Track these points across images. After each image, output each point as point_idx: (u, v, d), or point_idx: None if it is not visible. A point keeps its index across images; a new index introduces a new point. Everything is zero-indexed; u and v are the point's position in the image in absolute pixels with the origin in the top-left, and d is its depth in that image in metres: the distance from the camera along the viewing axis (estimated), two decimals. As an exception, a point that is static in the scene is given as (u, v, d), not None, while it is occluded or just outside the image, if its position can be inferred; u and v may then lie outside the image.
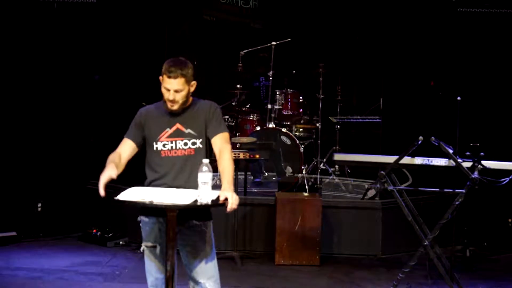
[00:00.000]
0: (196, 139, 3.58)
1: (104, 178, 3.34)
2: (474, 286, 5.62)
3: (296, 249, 6.22)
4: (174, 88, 3.50)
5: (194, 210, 3.52)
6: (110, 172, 3.37)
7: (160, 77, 3.55)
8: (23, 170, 7.28)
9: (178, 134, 3.58)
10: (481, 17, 7.76)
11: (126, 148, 3.61)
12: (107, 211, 6.89)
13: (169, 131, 3.58)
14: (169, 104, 3.55)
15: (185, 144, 3.58)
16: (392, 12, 8.41)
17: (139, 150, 3.66)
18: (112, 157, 3.54)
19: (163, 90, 3.55)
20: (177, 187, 3.51)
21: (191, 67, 3.57)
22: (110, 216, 6.91)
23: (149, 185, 3.61)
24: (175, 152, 3.57)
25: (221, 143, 3.56)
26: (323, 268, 6.16)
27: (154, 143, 3.59)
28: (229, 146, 3.59)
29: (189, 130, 3.58)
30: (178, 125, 3.58)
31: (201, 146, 3.59)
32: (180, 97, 3.53)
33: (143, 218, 3.61)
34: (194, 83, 3.59)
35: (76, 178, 7.47)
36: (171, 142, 3.57)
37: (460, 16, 7.80)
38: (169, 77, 3.50)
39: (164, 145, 3.58)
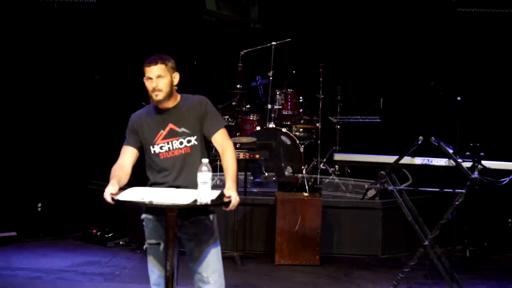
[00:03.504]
0: (190, 136, 3.57)
1: (106, 194, 3.30)
2: (474, 286, 5.62)
3: (296, 249, 6.22)
4: (156, 74, 3.51)
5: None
6: (110, 189, 3.32)
7: (144, 78, 3.56)
8: (23, 170, 7.28)
9: (172, 135, 3.57)
10: (481, 17, 7.76)
11: (128, 156, 3.60)
12: (107, 211, 6.88)
13: (163, 132, 3.57)
14: (153, 95, 3.53)
15: (181, 143, 3.57)
16: (392, 12, 8.42)
17: (140, 153, 3.64)
18: (114, 170, 3.51)
19: (146, 84, 3.55)
20: (178, 186, 3.51)
21: (172, 59, 3.59)
22: (110, 216, 6.91)
23: (151, 186, 3.60)
24: (173, 153, 3.56)
25: (221, 140, 3.57)
26: (323, 268, 6.16)
27: (151, 147, 3.58)
28: (230, 142, 3.60)
29: (182, 129, 3.57)
30: (171, 125, 3.58)
31: (196, 143, 3.58)
32: (163, 84, 3.52)
33: (147, 216, 3.60)
34: (176, 74, 3.59)
35: (76, 178, 7.46)
36: (168, 143, 3.57)
37: (460, 16, 7.80)
38: (149, 65, 3.53)
39: (161, 147, 3.57)
